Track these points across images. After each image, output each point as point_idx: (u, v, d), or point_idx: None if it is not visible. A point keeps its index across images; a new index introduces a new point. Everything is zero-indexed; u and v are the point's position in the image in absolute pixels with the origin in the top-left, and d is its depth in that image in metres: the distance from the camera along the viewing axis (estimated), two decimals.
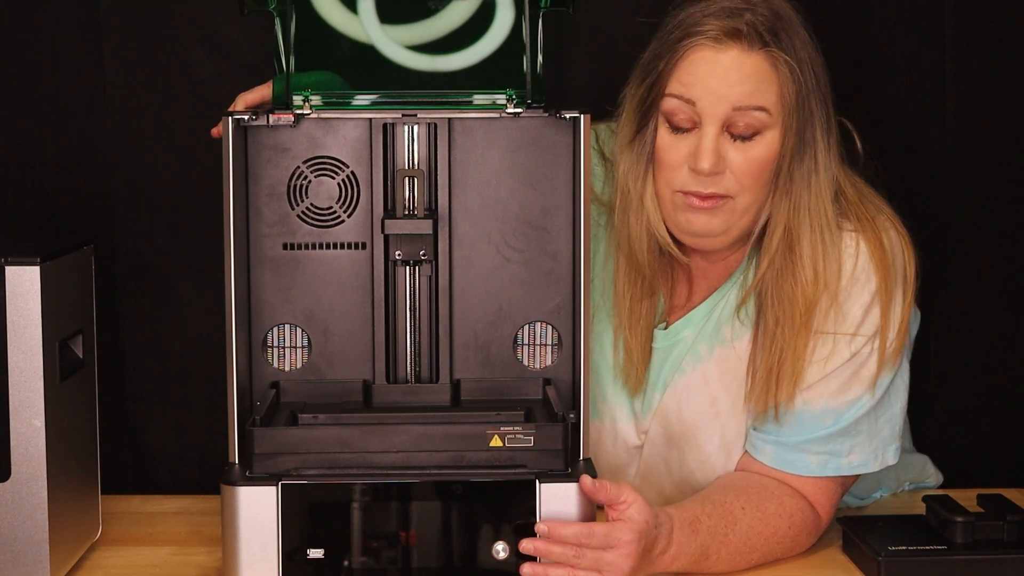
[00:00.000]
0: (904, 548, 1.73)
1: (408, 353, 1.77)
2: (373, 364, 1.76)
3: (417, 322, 1.77)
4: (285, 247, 1.75)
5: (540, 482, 1.63)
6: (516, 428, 1.64)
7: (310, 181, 1.74)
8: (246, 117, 1.68)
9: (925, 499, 1.82)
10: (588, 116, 1.67)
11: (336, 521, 1.62)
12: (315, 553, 1.62)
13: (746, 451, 1.86)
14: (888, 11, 2.22)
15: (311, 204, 1.74)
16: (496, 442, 1.64)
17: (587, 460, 1.67)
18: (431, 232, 1.73)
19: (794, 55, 1.76)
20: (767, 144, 1.77)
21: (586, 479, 1.63)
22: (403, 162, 1.75)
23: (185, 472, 2.26)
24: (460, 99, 1.73)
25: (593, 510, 1.66)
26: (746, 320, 1.85)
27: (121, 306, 2.22)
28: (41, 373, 1.63)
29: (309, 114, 1.71)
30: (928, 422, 2.25)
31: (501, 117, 1.72)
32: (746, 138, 1.77)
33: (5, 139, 2.19)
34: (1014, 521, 1.75)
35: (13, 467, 1.64)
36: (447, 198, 1.75)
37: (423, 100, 1.74)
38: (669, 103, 1.77)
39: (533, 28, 1.73)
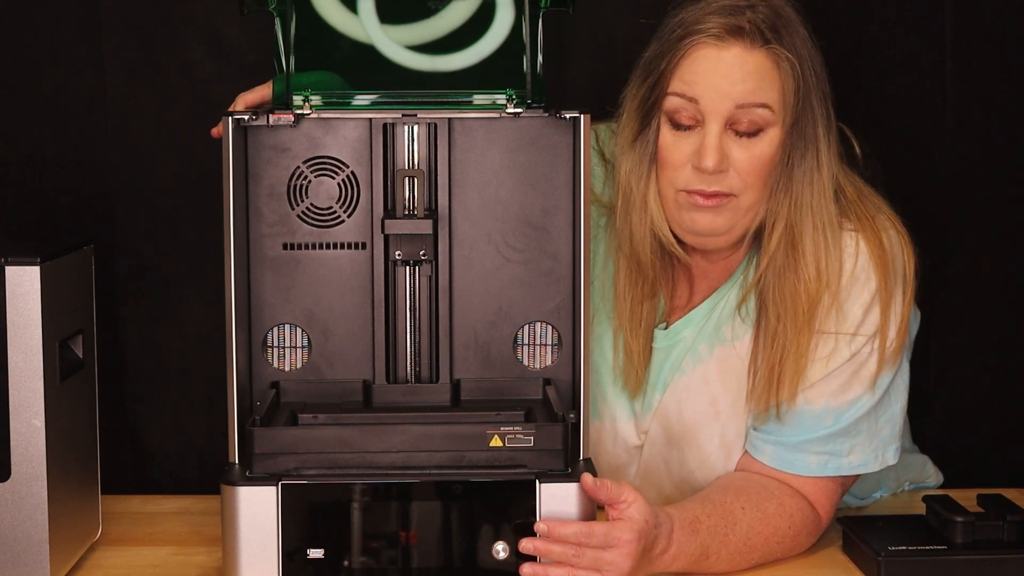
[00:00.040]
0: (904, 548, 1.73)
1: (408, 353, 1.77)
2: (373, 364, 1.76)
3: (417, 322, 1.77)
4: (285, 247, 1.75)
5: (540, 482, 1.63)
6: (516, 428, 1.64)
7: (310, 181, 1.74)
8: (246, 117, 1.68)
9: (925, 499, 1.83)
10: (588, 116, 1.67)
11: (336, 521, 1.62)
12: (315, 553, 1.62)
13: (746, 451, 1.86)
14: (888, 11, 2.22)
15: (311, 204, 1.74)
16: (496, 442, 1.64)
17: (587, 460, 1.67)
18: (431, 232, 1.73)
19: (795, 52, 1.76)
20: (770, 141, 1.77)
21: (587, 477, 1.63)
22: (403, 162, 1.75)
23: (185, 472, 2.26)
24: (460, 99, 1.74)
25: (593, 510, 1.66)
26: (747, 319, 1.85)
27: (121, 306, 2.22)
28: (41, 373, 1.63)
29: (309, 114, 1.71)
30: (928, 422, 2.25)
31: (501, 117, 1.72)
32: (749, 135, 1.77)
33: (5, 139, 2.19)
34: (1014, 521, 1.75)
35: (13, 467, 1.64)
36: (447, 198, 1.75)
37: (423, 100, 1.74)
38: (672, 102, 1.77)
39: (533, 28, 1.73)
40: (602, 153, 1.91)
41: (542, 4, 1.73)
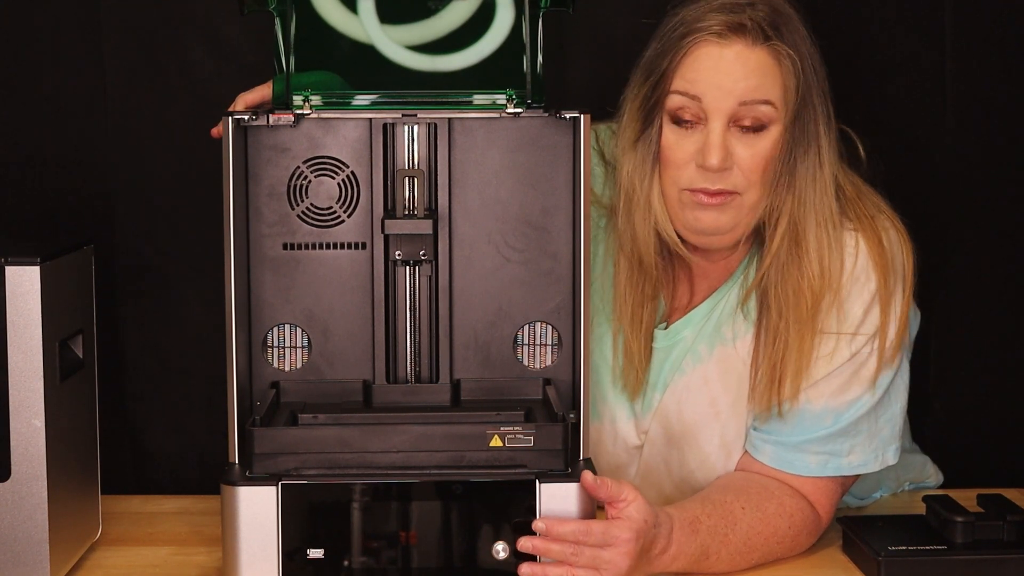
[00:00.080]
0: (904, 548, 1.73)
1: (408, 353, 1.77)
2: (373, 364, 1.76)
3: (417, 322, 1.77)
4: (285, 247, 1.75)
5: (540, 482, 1.63)
6: (516, 428, 1.64)
7: (310, 181, 1.74)
8: (246, 117, 1.68)
9: (925, 499, 1.83)
10: (588, 116, 1.67)
11: (336, 521, 1.62)
12: (315, 553, 1.62)
13: (746, 451, 1.86)
14: (888, 11, 2.22)
15: (311, 204, 1.74)
16: (496, 442, 1.64)
17: (587, 460, 1.67)
18: (431, 232, 1.73)
19: (796, 49, 1.77)
20: (773, 138, 1.77)
21: (588, 475, 1.63)
22: (403, 162, 1.75)
23: (185, 472, 2.26)
24: (460, 99, 1.74)
25: (593, 509, 1.66)
26: (748, 318, 1.85)
27: (121, 306, 2.22)
28: (41, 373, 1.63)
29: (309, 114, 1.71)
30: (928, 422, 2.25)
31: (501, 117, 1.72)
32: (752, 132, 1.77)
33: (5, 139, 2.19)
34: (1014, 521, 1.75)
35: (13, 467, 1.64)
36: (447, 198, 1.75)
37: (423, 100, 1.74)
38: (674, 100, 1.77)
39: (533, 28, 1.73)
40: (602, 154, 1.91)
41: (542, 4, 1.73)
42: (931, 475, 2.11)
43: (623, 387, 1.89)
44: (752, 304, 1.85)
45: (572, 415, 1.68)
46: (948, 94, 2.23)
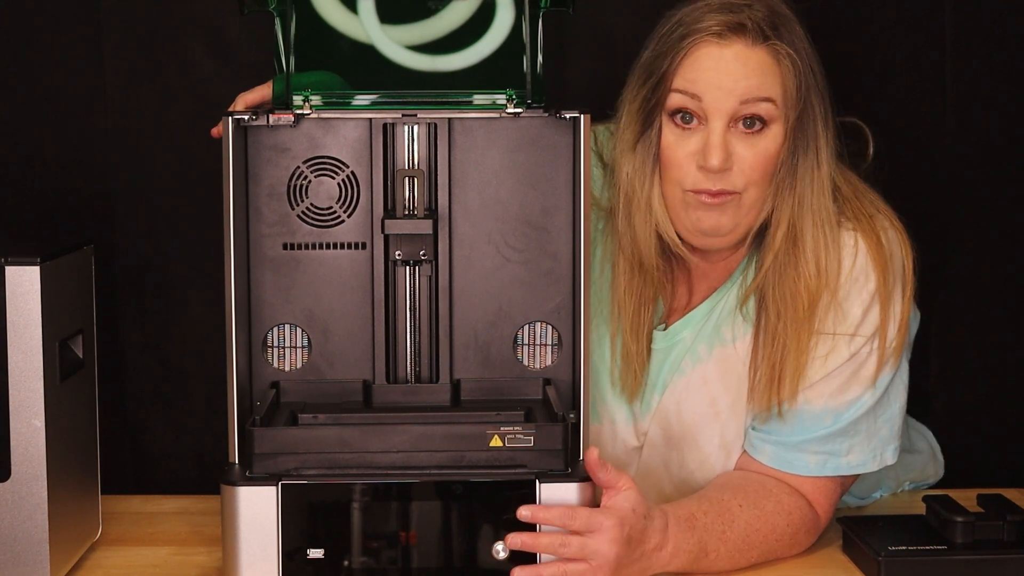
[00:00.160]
0: (904, 548, 1.73)
1: (408, 353, 1.77)
2: (373, 364, 1.76)
3: (417, 322, 1.77)
4: (285, 247, 1.75)
5: (540, 482, 1.63)
6: (516, 428, 1.64)
7: (310, 181, 1.74)
8: (246, 117, 1.68)
9: (925, 499, 1.83)
10: (588, 116, 1.67)
11: (336, 521, 1.62)
12: (315, 553, 1.62)
13: (745, 451, 1.86)
14: (888, 11, 2.22)
15: (311, 204, 1.74)
16: (496, 442, 1.64)
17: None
18: (431, 232, 1.73)
19: (795, 49, 1.77)
20: (773, 137, 1.77)
21: (593, 451, 1.63)
22: (403, 162, 1.75)
23: (185, 472, 2.26)
24: (460, 99, 1.74)
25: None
26: (748, 318, 1.85)
27: (121, 306, 2.22)
28: (41, 373, 1.63)
29: (309, 114, 1.71)
30: (928, 422, 2.25)
31: (501, 117, 1.72)
32: (753, 132, 1.77)
33: (5, 139, 2.19)
34: (1014, 521, 1.75)
35: (13, 467, 1.64)
36: (447, 198, 1.75)
37: (423, 100, 1.74)
38: (674, 98, 1.77)
39: (533, 28, 1.73)
40: (600, 156, 1.91)
41: (542, 4, 1.73)
42: (931, 474, 2.11)
43: (622, 389, 1.89)
44: (751, 305, 1.85)
45: (572, 415, 1.68)
46: (948, 94, 2.23)
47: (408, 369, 1.77)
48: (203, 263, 2.18)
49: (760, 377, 1.82)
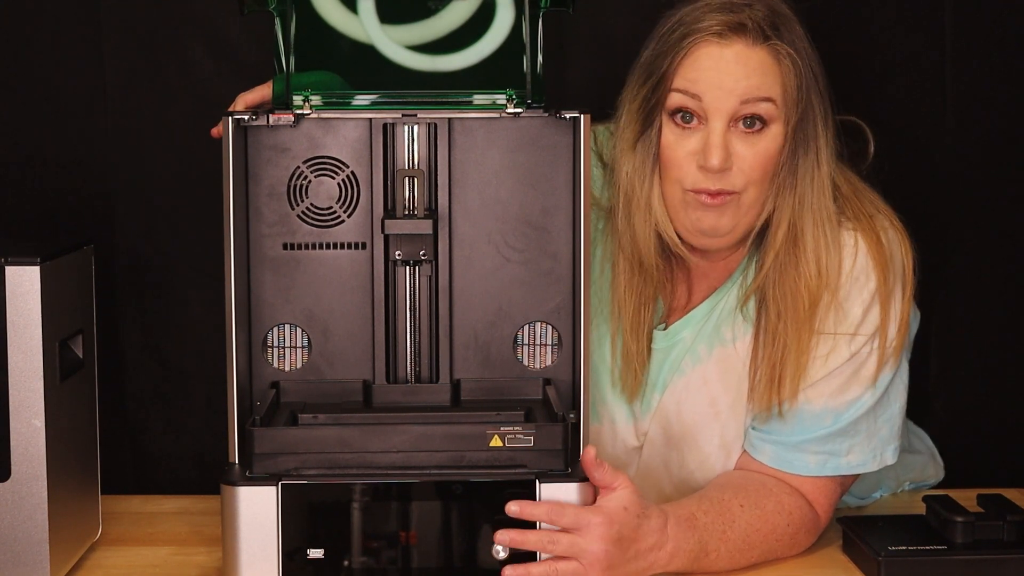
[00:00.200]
0: (904, 548, 1.73)
1: (408, 353, 1.77)
2: (373, 364, 1.76)
3: (417, 322, 1.77)
4: (285, 247, 1.75)
5: (540, 482, 1.63)
6: (516, 428, 1.64)
7: (310, 181, 1.74)
8: (246, 117, 1.68)
9: (925, 499, 1.83)
10: (588, 116, 1.67)
11: (336, 521, 1.62)
12: (315, 553, 1.62)
13: (745, 451, 1.86)
14: (888, 11, 2.22)
15: (311, 204, 1.74)
16: (496, 442, 1.64)
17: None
18: (431, 232, 1.73)
19: (795, 48, 1.77)
20: (773, 137, 1.77)
21: (590, 451, 1.63)
22: (403, 162, 1.75)
23: (185, 472, 2.26)
24: (460, 99, 1.74)
25: None
26: (748, 318, 1.85)
27: (121, 306, 2.22)
28: (41, 373, 1.63)
29: (309, 114, 1.71)
30: (928, 422, 2.25)
31: (501, 117, 1.72)
32: (753, 131, 1.77)
33: (5, 139, 2.19)
34: (1014, 521, 1.75)
35: (13, 467, 1.64)
36: (447, 198, 1.75)
37: (423, 100, 1.74)
38: (675, 98, 1.77)
39: (533, 28, 1.73)
40: (600, 156, 1.91)
41: (542, 4, 1.73)
42: (931, 474, 2.11)
43: (622, 388, 1.89)
44: (751, 304, 1.85)
45: (572, 415, 1.68)
46: (948, 94, 2.23)
47: (408, 369, 1.77)
48: (203, 263, 2.18)
49: (760, 377, 1.82)
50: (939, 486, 2.11)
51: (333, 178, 1.74)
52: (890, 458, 1.85)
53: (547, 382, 1.76)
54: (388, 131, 1.74)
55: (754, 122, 1.77)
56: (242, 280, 1.71)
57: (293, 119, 1.71)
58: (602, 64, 2.19)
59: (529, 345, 1.77)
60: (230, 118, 1.65)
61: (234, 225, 1.65)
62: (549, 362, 1.77)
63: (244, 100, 1.80)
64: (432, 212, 1.74)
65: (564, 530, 1.62)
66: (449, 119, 1.73)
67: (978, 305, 2.28)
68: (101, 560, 1.81)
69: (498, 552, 1.63)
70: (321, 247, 1.75)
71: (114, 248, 2.20)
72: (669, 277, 1.89)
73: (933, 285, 2.11)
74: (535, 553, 1.62)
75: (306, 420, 1.69)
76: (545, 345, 1.77)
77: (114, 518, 1.93)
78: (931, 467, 2.12)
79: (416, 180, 1.74)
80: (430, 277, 1.76)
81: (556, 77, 2.09)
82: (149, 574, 1.76)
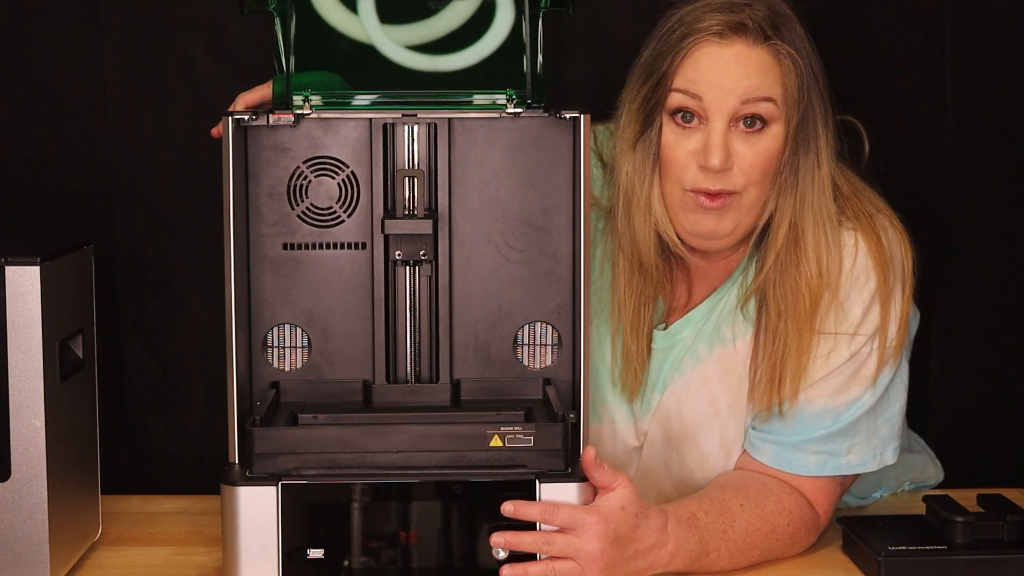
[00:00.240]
0: (904, 548, 1.73)
1: (408, 353, 1.77)
2: (373, 364, 1.76)
3: (417, 322, 1.77)
4: (285, 247, 1.75)
5: (540, 482, 1.63)
6: (516, 428, 1.64)
7: (310, 181, 1.74)
8: (246, 117, 1.68)
9: (925, 499, 1.83)
10: (588, 116, 1.67)
11: (336, 521, 1.62)
12: (315, 553, 1.62)
13: (745, 450, 1.86)
14: (888, 11, 2.22)
15: (311, 204, 1.74)
16: (496, 442, 1.64)
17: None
18: (431, 232, 1.73)
19: (795, 48, 1.77)
20: (774, 137, 1.77)
21: (590, 451, 1.63)
22: (403, 162, 1.75)
23: (185, 472, 2.26)
24: (460, 99, 1.73)
25: None
26: (748, 318, 1.85)
27: (121, 306, 2.22)
28: (41, 373, 1.63)
29: (309, 114, 1.71)
30: (928, 422, 2.25)
31: (501, 117, 1.72)
32: (753, 131, 1.77)
33: (5, 139, 2.20)
34: (1014, 521, 1.75)
35: (13, 467, 1.64)
36: (447, 198, 1.75)
37: (423, 100, 1.74)
38: (675, 98, 1.77)
39: (533, 28, 1.73)
40: (600, 155, 1.91)
41: (542, 4, 1.73)
42: (931, 475, 2.11)
43: (622, 388, 1.89)
44: (751, 304, 1.85)
45: (572, 415, 1.68)
46: (948, 94, 2.23)
47: (408, 369, 1.77)
48: (203, 263, 2.18)
49: (761, 376, 1.82)
50: (939, 486, 2.11)
51: (333, 178, 1.74)
52: (890, 458, 1.85)
53: (547, 382, 1.76)
54: (388, 131, 1.74)
55: (754, 122, 1.77)
56: (242, 280, 1.71)
57: (293, 119, 1.71)
58: (602, 64, 2.19)
59: (529, 345, 1.77)
60: (230, 118, 1.65)
61: (234, 225, 1.65)
62: (549, 362, 1.77)
63: (244, 100, 1.80)
64: (432, 212, 1.74)
65: (561, 530, 1.62)
66: (449, 119, 1.73)
67: (978, 305, 2.28)
68: (101, 560, 1.81)
69: (498, 552, 1.63)
70: (321, 247, 1.75)
71: (114, 248, 2.20)
72: (669, 277, 1.89)
73: (933, 285, 2.11)
74: (535, 553, 1.62)
75: (306, 420, 1.69)
76: (545, 345, 1.77)
77: (114, 518, 1.93)
78: (931, 467, 2.12)
79: (416, 180, 1.74)
80: (430, 277, 1.76)
81: (556, 77, 2.09)
82: (149, 574, 1.76)
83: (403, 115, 1.73)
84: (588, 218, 1.67)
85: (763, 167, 1.78)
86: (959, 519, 1.75)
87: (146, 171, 2.21)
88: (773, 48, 1.76)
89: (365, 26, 1.75)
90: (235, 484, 1.62)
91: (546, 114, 1.71)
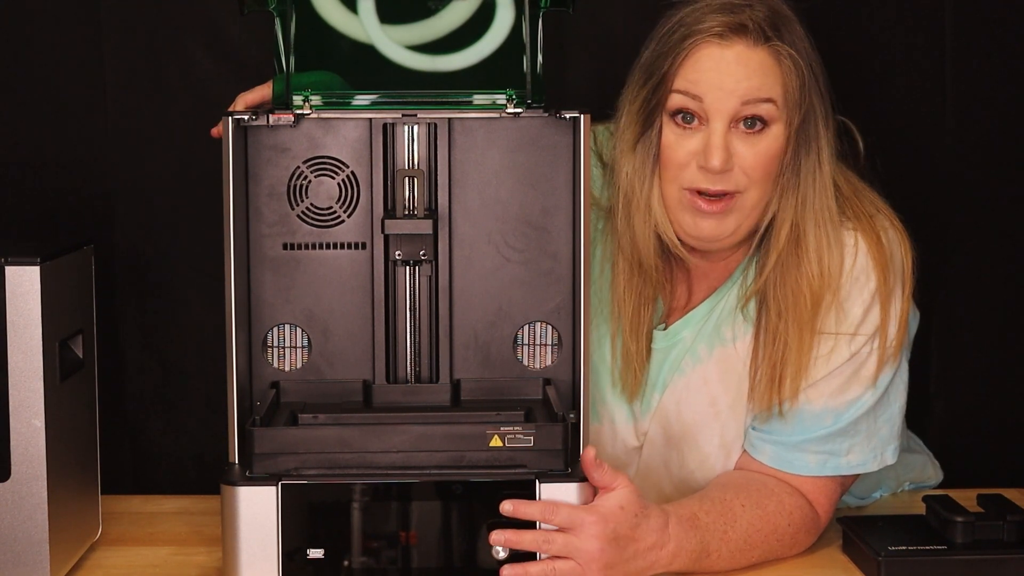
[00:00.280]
0: (904, 548, 1.73)
1: (408, 353, 1.77)
2: (373, 364, 1.76)
3: (417, 322, 1.77)
4: (285, 247, 1.75)
5: (540, 482, 1.63)
6: (516, 428, 1.64)
7: (310, 181, 1.74)
8: (246, 117, 1.68)
9: (925, 499, 1.83)
10: (588, 116, 1.67)
11: (336, 521, 1.62)
12: (315, 553, 1.62)
13: (745, 450, 1.86)
14: (888, 11, 2.22)
15: (311, 204, 1.74)
16: (496, 442, 1.64)
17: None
18: (431, 232, 1.73)
19: (796, 49, 1.77)
20: (774, 137, 1.78)
21: (590, 451, 1.63)
22: (403, 162, 1.75)
23: (185, 472, 2.26)
24: (460, 99, 1.73)
25: None
26: (748, 318, 1.85)
27: (121, 306, 2.22)
28: (41, 373, 1.63)
29: (309, 114, 1.71)
30: (928, 422, 2.25)
31: (501, 117, 1.72)
32: (754, 132, 1.77)
33: (5, 139, 2.20)
34: (1014, 521, 1.75)
35: (13, 467, 1.64)
36: (447, 198, 1.75)
37: (423, 100, 1.74)
38: (675, 99, 1.77)
39: (533, 28, 1.73)
40: (600, 156, 1.91)
41: (542, 4, 1.73)
42: (931, 475, 2.11)
43: (622, 388, 1.89)
44: (752, 304, 1.85)
45: (572, 415, 1.68)
46: (948, 94, 2.23)
47: (408, 369, 1.77)
48: (203, 263, 2.18)
49: (761, 377, 1.82)
50: (939, 486, 2.11)
51: (333, 178, 1.74)
52: (890, 458, 1.85)
53: (547, 382, 1.76)
54: (388, 131, 1.74)
55: (755, 123, 1.77)
56: (242, 280, 1.71)
57: (293, 119, 1.71)
58: (602, 64, 2.19)
59: (529, 345, 1.77)
60: (230, 118, 1.65)
61: (234, 225, 1.65)
62: (549, 362, 1.77)
63: (244, 100, 1.80)
64: (432, 212, 1.74)
65: (560, 529, 1.62)
66: (449, 119, 1.73)
67: (978, 305, 2.28)
68: (101, 560, 1.81)
69: (498, 552, 1.63)
70: (321, 247, 1.75)
71: (114, 248, 2.21)
72: (669, 277, 1.89)
73: (933, 285, 2.11)
74: (535, 553, 1.63)
75: (306, 420, 1.69)
76: (545, 345, 1.77)
77: (114, 518, 1.93)
78: (931, 468, 2.12)
79: (416, 180, 1.74)
80: (430, 277, 1.76)
81: (556, 77, 2.09)
82: (149, 574, 1.76)
83: (403, 115, 1.73)
84: (588, 218, 1.67)
85: (764, 168, 1.78)
86: (959, 519, 1.75)
87: (146, 171, 2.21)
88: (773, 49, 1.76)
89: (365, 26, 1.75)
90: (235, 484, 1.62)
91: (546, 114, 1.71)
